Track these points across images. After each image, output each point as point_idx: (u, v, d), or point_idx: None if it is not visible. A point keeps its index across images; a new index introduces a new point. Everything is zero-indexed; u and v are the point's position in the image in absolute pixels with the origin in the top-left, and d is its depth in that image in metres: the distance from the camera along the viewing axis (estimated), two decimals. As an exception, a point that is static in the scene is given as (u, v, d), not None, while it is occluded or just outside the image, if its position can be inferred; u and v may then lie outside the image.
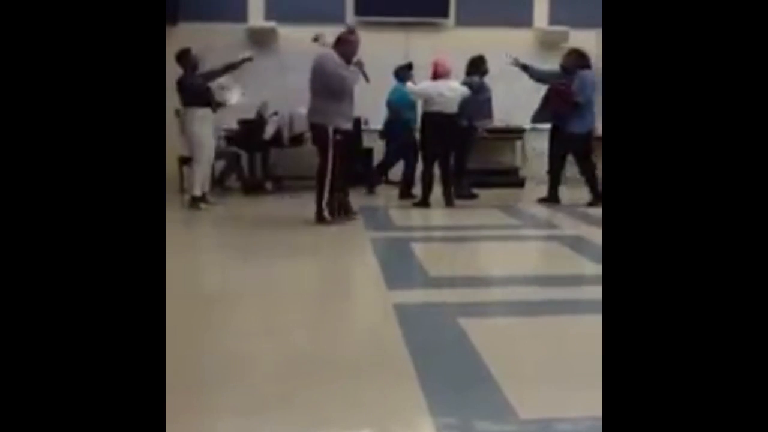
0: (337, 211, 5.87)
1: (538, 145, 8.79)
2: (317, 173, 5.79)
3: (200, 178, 6.76)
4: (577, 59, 7.13)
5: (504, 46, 8.86)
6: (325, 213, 5.72)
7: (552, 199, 7.20)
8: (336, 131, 5.65)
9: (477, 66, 7.49)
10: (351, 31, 5.95)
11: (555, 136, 7.26)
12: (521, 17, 9.24)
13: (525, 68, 7.45)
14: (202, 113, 6.61)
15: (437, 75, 7.00)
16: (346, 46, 5.74)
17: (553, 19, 9.30)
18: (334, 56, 5.68)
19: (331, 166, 5.65)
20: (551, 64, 7.99)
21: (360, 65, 5.79)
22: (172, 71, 6.07)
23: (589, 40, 8.29)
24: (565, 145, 7.07)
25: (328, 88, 5.61)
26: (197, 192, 6.72)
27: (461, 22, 9.17)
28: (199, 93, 6.61)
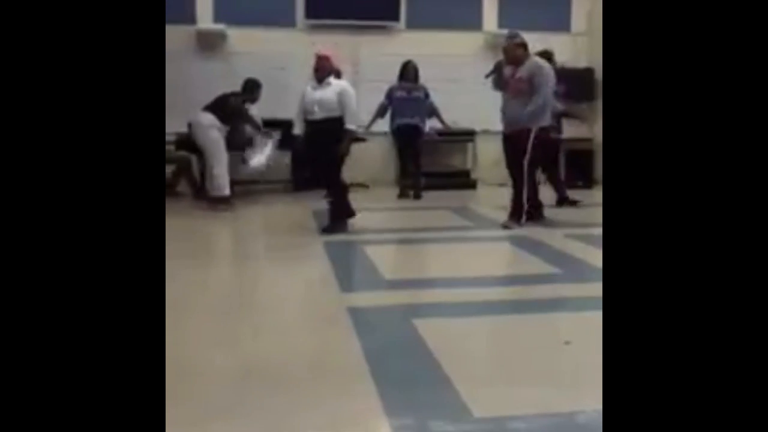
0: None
1: (489, 148, 8.89)
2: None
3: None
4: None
5: (454, 50, 8.99)
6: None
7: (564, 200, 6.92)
8: None
9: (402, 72, 7.78)
10: None
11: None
12: (471, 21, 9.34)
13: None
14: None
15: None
16: None
17: (502, 23, 9.43)
18: None
19: None
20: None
21: None
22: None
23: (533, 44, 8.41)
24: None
25: None
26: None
27: (412, 25, 9.22)
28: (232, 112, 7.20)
